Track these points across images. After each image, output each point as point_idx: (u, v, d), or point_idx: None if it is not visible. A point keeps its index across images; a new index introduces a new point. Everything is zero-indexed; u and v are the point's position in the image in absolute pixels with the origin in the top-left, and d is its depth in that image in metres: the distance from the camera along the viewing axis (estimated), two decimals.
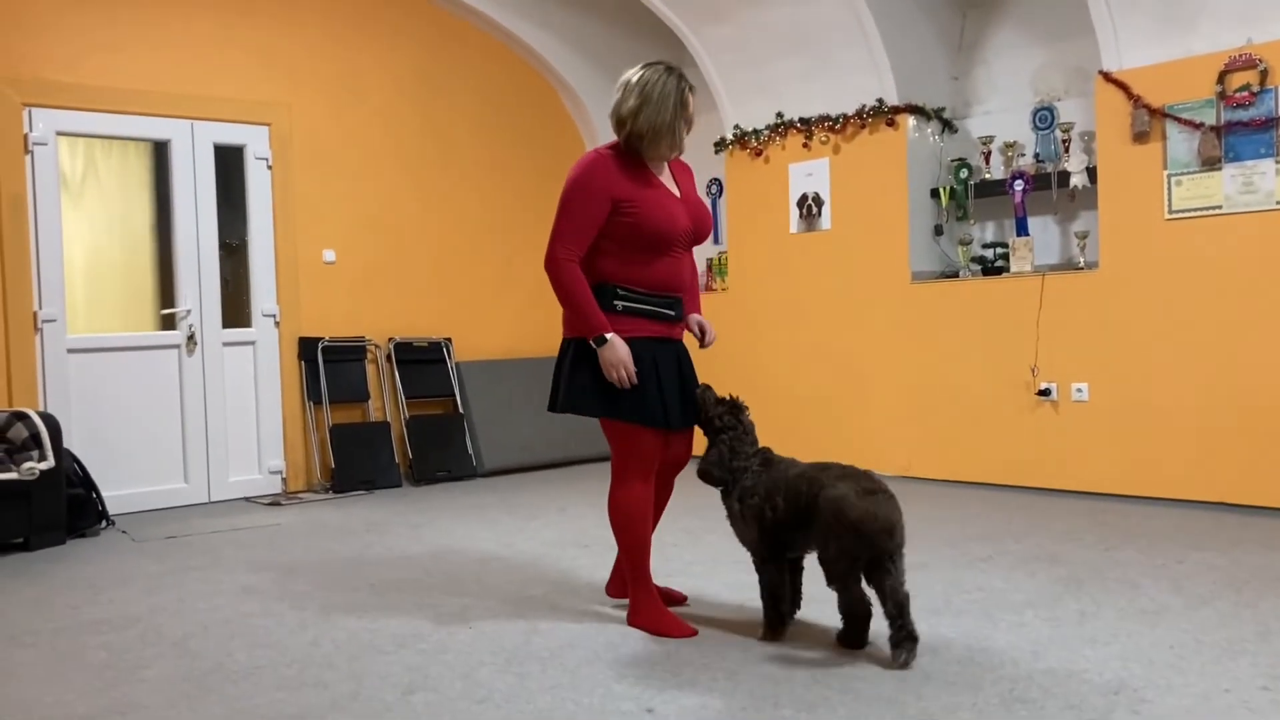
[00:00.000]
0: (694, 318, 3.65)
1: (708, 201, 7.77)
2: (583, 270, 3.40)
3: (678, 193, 3.55)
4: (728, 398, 3.47)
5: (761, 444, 3.44)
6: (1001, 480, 6.07)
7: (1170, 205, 5.38)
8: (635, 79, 3.44)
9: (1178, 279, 5.38)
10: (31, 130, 5.86)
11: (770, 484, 3.28)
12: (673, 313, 3.50)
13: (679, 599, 3.79)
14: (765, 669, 3.07)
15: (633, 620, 3.54)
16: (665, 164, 3.56)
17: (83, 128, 6.07)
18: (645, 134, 3.39)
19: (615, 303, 3.41)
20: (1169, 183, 5.38)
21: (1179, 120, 5.32)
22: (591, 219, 3.36)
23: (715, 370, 7.31)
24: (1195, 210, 5.31)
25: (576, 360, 3.47)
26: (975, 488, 6.11)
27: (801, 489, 3.19)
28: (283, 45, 6.78)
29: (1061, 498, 5.71)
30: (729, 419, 3.41)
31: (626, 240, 3.40)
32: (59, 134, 5.98)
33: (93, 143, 6.23)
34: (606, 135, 8.11)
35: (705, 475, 3.41)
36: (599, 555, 4.63)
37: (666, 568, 4.31)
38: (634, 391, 3.40)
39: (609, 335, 3.35)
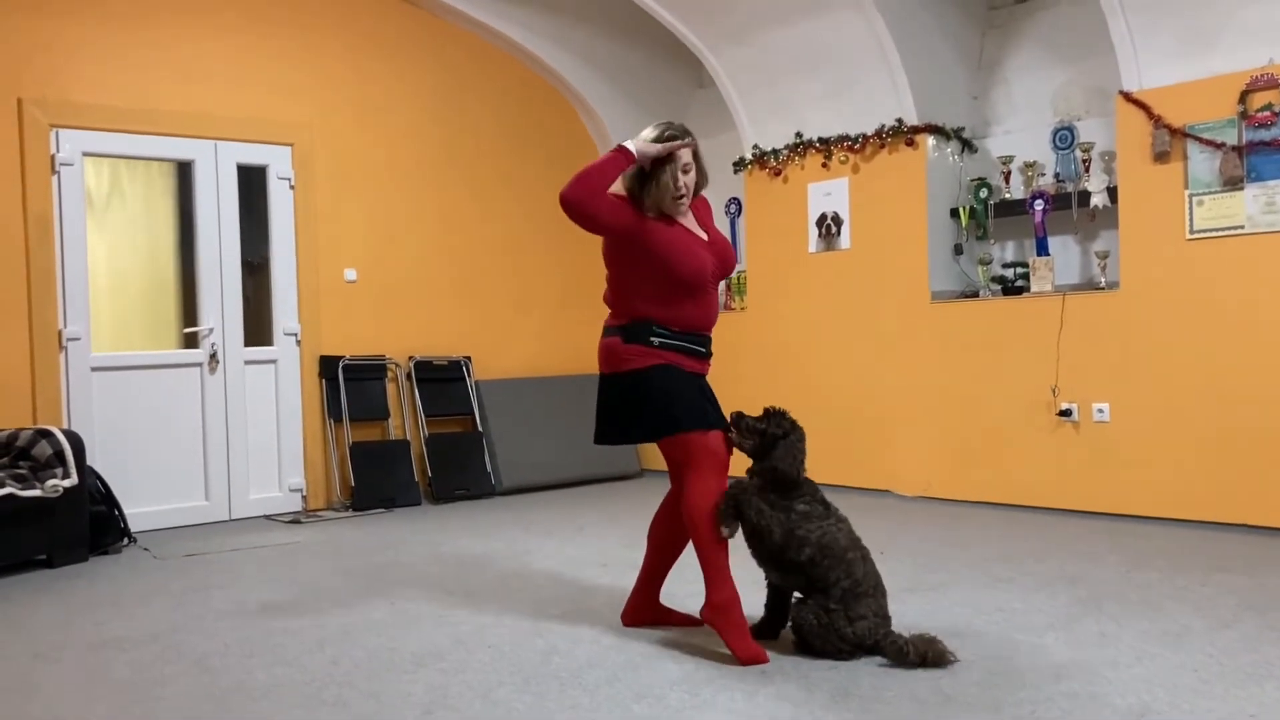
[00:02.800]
0: None
1: (726, 221, 7.81)
2: (621, 309, 3.64)
3: (701, 233, 3.64)
4: (767, 409, 3.53)
5: None
6: (1022, 501, 6.04)
7: (1192, 225, 5.36)
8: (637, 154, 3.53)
9: (1199, 299, 5.35)
10: (58, 151, 5.93)
11: (827, 537, 3.32)
12: (703, 349, 3.64)
13: (690, 623, 3.77)
14: (785, 690, 3.06)
15: (708, 615, 3.47)
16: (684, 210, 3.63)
17: (108, 148, 6.14)
18: (649, 204, 3.53)
19: (652, 339, 3.53)
20: (1190, 202, 5.36)
21: (1200, 140, 5.30)
22: (611, 198, 3.51)
23: (734, 390, 7.29)
24: (1217, 230, 5.28)
25: (626, 396, 3.58)
26: (995, 508, 6.07)
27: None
28: (305, 66, 6.85)
29: (1082, 518, 5.67)
30: (786, 423, 3.49)
31: (660, 282, 3.52)
32: (85, 154, 6.05)
33: (117, 163, 6.30)
34: None
35: (775, 472, 3.42)
36: (618, 575, 4.63)
37: (685, 589, 4.31)
38: (688, 409, 3.51)
39: (627, 143, 3.48)
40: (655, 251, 3.49)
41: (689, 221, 3.64)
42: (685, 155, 3.55)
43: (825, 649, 3.29)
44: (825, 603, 3.29)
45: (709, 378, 3.69)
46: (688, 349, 3.57)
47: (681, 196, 3.55)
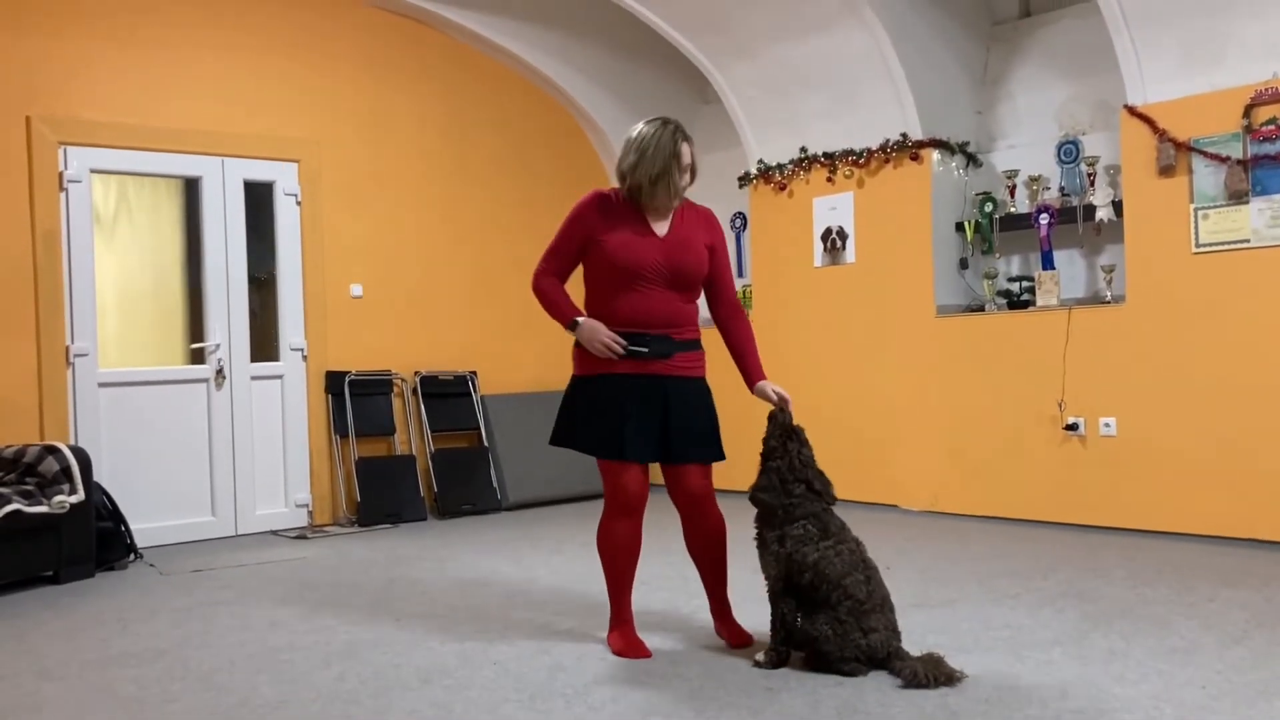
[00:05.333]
0: (764, 385, 3.66)
1: (731, 236, 7.82)
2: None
3: (661, 235, 3.61)
4: (789, 426, 3.49)
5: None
6: (1029, 515, 6.02)
7: (1197, 239, 5.36)
8: (634, 135, 3.64)
9: (1205, 313, 5.35)
10: (66, 168, 5.96)
11: (824, 563, 3.29)
12: (644, 349, 3.55)
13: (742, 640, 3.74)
14: (791, 705, 3.05)
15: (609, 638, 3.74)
16: (670, 212, 3.65)
17: (116, 165, 6.17)
18: (642, 186, 3.57)
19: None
20: (1195, 216, 5.36)
21: (1205, 154, 5.30)
22: (566, 245, 3.70)
23: (738, 404, 7.29)
24: (1222, 244, 5.28)
25: (565, 396, 3.72)
26: (1002, 523, 6.06)
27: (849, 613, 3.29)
28: (312, 83, 6.88)
29: (1090, 533, 5.65)
30: (774, 445, 3.46)
31: (597, 276, 3.64)
32: (93, 171, 6.08)
33: (125, 180, 6.33)
34: None
35: (755, 501, 3.46)
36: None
37: (692, 602, 4.30)
38: (589, 425, 3.59)
39: (579, 319, 3.61)
40: (598, 245, 3.60)
41: (661, 224, 3.63)
42: (685, 158, 3.60)
43: (841, 656, 3.25)
44: (836, 614, 3.27)
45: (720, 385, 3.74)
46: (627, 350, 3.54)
47: (675, 197, 3.61)
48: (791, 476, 3.42)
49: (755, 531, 3.50)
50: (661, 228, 3.63)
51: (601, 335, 3.54)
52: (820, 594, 3.29)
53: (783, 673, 3.36)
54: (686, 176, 3.62)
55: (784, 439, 3.47)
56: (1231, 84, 5.25)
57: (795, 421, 3.52)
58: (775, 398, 3.61)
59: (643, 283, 3.56)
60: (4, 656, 3.88)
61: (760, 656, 3.44)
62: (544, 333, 7.91)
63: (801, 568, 3.32)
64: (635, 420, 3.54)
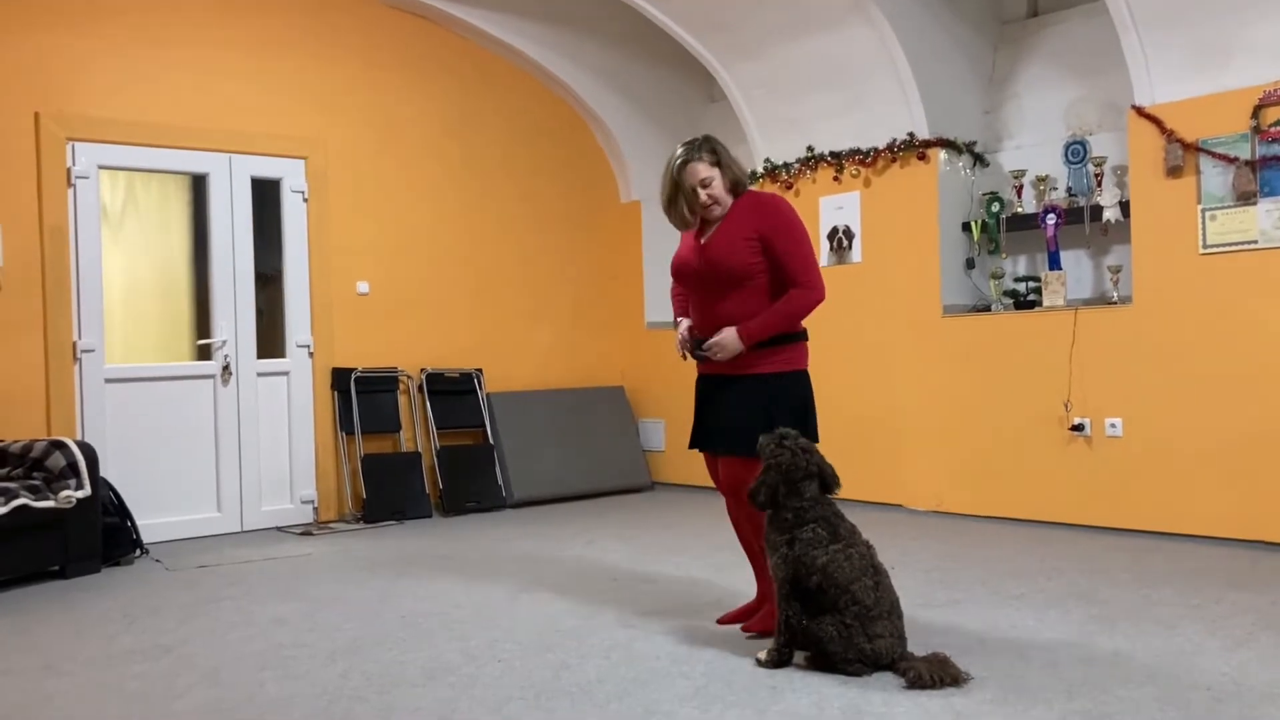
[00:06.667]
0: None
1: None
2: None
3: (704, 241, 3.84)
4: (778, 431, 3.51)
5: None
6: (1034, 516, 6.01)
7: (1205, 240, 5.35)
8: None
9: (1212, 314, 5.33)
10: (74, 164, 5.97)
11: (832, 566, 3.30)
12: (703, 352, 3.84)
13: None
14: (796, 706, 3.05)
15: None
16: (715, 220, 3.84)
17: (124, 161, 6.18)
18: (665, 211, 3.93)
19: None
20: (1203, 217, 5.35)
21: (1213, 155, 5.29)
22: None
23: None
24: (1230, 245, 5.27)
25: None
26: (1008, 523, 6.05)
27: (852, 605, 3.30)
28: (319, 80, 6.88)
29: (1095, 534, 5.64)
30: (773, 449, 3.47)
31: None
32: (100, 167, 6.09)
33: (133, 176, 6.34)
34: (638, 169, 8.17)
35: (751, 496, 3.49)
36: (628, 588, 4.62)
37: (699, 600, 4.30)
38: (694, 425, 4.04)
39: (679, 319, 4.05)
40: None
41: (710, 229, 3.85)
42: (693, 177, 3.77)
43: (846, 657, 3.25)
44: (842, 619, 3.27)
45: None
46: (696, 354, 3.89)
47: (694, 213, 3.85)
48: (800, 474, 3.42)
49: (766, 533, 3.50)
50: (707, 233, 3.84)
51: (678, 337, 3.95)
52: (828, 598, 3.29)
53: (787, 673, 3.35)
54: (704, 193, 3.78)
55: (779, 442, 3.47)
56: (1240, 85, 5.23)
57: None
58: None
59: (693, 290, 3.90)
60: (11, 651, 3.89)
61: (762, 655, 3.44)
62: (549, 331, 7.93)
63: (810, 571, 3.31)
64: (697, 415, 3.99)
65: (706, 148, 3.81)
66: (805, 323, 3.90)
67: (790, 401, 3.78)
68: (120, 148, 6.14)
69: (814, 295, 3.81)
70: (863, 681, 3.23)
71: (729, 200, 3.83)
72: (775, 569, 3.42)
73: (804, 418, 3.79)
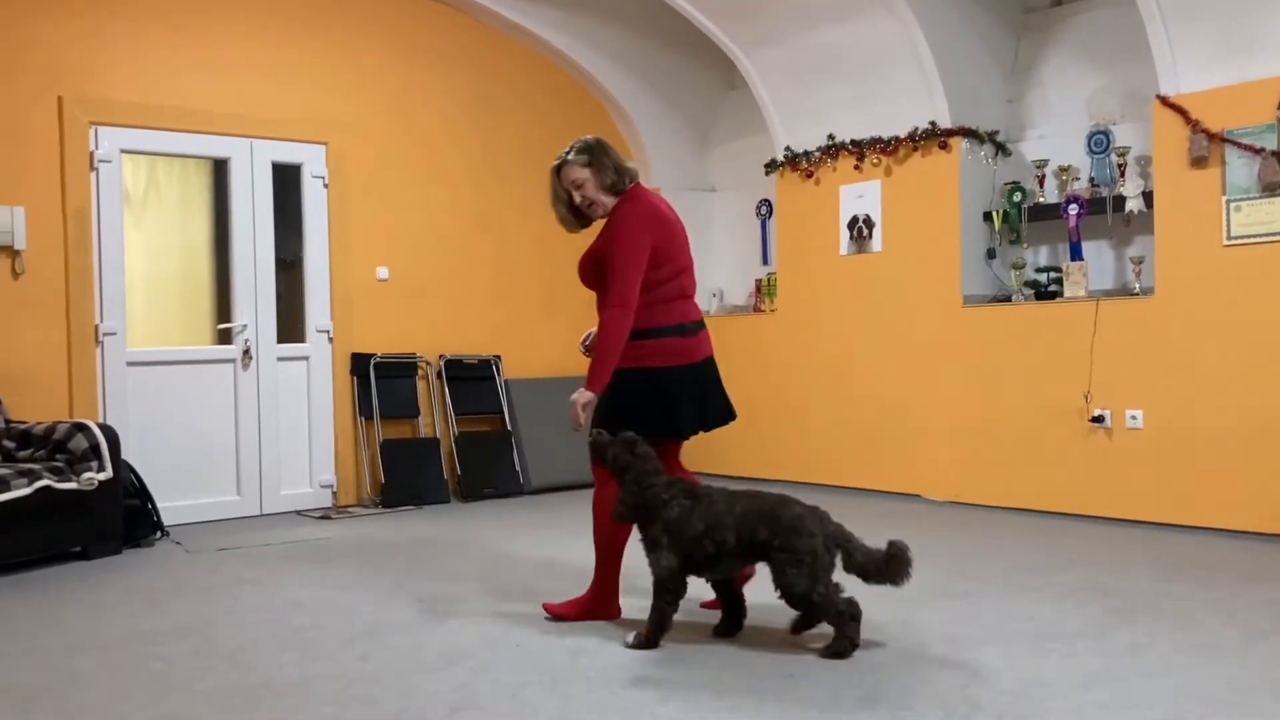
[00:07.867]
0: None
1: (757, 223, 7.83)
2: None
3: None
4: (621, 436, 3.60)
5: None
6: (1053, 508, 5.99)
7: (1229, 231, 5.30)
8: None
9: (1236, 305, 5.29)
10: (97, 148, 6.01)
11: (713, 519, 3.43)
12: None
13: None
14: (812, 695, 3.06)
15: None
16: (601, 216, 3.94)
17: (146, 146, 6.21)
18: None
19: None
20: (1228, 208, 5.30)
21: (1238, 145, 5.25)
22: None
23: (763, 393, 7.30)
24: (1255, 236, 5.22)
25: None
26: (1026, 515, 6.03)
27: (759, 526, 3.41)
28: (340, 66, 6.90)
29: (1114, 526, 5.62)
30: (625, 458, 3.57)
31: None
32: (123, 151, 6.12)
33: (155, 160, 6.38)
34: (657, 155, 8.15)
35: (622, 518, 3.61)
36: (645, 574, 4.62)
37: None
38: None
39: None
40: None
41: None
42: (566, 179, 3.91)
43: (817, 579, 3.34)
44: (771, 556, 3.38)
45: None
46: None
47: (579, 215, 3.98)
48: (649, 479, 3.54)
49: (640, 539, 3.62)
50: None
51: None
52: (742, 546, 3.41)
53: (803, 660, 3.36)
54: (578, 194, 3.89)
55: (629, 448, 3.56)
56: (1266, 75, 5.18)
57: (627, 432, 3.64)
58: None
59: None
60: (35, 630, 3.94)
61: (630, 638, 3.57)
62: (567, 318, 7.93)
63: (700, 542, 3.43)
64: (694, 403, 3.87)
65: (582, 149, 3.89)
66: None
67: (616, 399, 3.76)
68: (142, 132, 6.17)
69: (616, 313, 3.69)
70: (880, 670, 3.23)
71: (608, 201, 3.87)
72: (658, 562, 3.52)
73: (621, 417, 3.73)
